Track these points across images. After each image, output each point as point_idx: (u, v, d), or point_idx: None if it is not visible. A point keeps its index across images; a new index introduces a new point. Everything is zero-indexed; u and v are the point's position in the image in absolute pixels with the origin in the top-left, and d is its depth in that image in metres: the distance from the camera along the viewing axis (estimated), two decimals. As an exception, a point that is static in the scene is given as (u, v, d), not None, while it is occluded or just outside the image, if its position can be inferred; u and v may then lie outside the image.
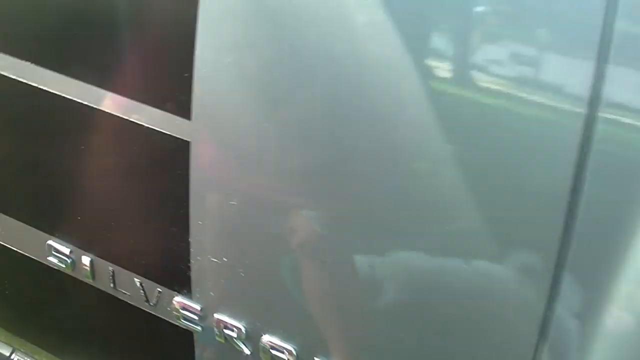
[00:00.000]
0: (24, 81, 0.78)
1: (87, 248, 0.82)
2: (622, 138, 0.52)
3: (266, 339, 0.72)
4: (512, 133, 0.55)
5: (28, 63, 0.78)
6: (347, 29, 0.59)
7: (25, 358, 1.03)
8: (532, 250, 0.57)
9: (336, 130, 0.61)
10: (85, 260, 0.82)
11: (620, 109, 0.52)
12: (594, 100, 0.51)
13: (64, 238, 0.84)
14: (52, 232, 0.85)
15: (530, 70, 0.54)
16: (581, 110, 0.51)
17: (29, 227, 0.86)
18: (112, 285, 0.82)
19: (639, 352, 0.56)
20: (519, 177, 0.56)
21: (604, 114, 0.51)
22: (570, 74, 0.53)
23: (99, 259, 0.82)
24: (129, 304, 0.82)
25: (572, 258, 0.55)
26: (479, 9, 0.56)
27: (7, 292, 0.98)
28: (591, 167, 0.52)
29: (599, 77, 0.51)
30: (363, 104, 0.59)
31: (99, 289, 0.83)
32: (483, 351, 0.62)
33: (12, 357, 1.05)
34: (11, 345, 1.05)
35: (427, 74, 0.57)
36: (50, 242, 0.85)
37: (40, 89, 0.77)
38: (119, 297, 0.82)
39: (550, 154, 0.54)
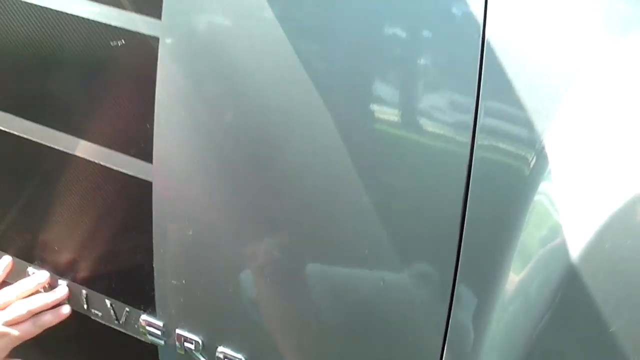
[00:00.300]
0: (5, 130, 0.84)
1: (62, 274, 0.87)
2: (497, 163, 0.58)
3: (221, 350, 0.78)
4: (412, 160, 0.61)
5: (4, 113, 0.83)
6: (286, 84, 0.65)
7: None
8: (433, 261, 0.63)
9: (276, 169, 0.68)
10: (62, 284, 0.87)
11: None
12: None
13: (42, 265, 0.89)
14: (32, 260, 0.89)
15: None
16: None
17: (12, 256, 0.91)
18: (85, 306, 0.87)
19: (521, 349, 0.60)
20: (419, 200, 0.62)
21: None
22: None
23: (73, 283, 0.87)
24: (101, 322, 0.87)
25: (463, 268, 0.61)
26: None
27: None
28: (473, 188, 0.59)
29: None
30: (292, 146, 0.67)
31: (74, 310, 0.88)
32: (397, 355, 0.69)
33: None
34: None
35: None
36: (30, 268, 0.89)
37: (18, 136, 0.83)
38: (92, 317, 0.87)
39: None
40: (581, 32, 0.56)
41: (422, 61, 0.60)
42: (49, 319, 0.86)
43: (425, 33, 0.60)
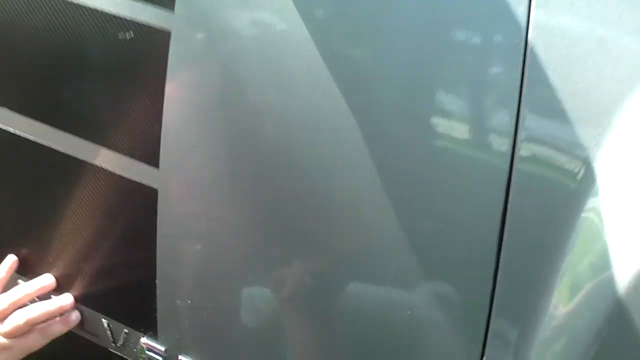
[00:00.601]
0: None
1: (55, 289, 0.83)
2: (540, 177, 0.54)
3: None
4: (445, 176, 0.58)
5: (4, 109, 0.79)
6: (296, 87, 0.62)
7: None
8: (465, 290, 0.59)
9: (288, 181, 0.64)
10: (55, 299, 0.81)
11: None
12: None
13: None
14: (24, 273, 0.85)
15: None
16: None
17: None
18: (80, 325, 0.82)
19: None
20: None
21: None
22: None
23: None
24: (96, 345, 0.82)
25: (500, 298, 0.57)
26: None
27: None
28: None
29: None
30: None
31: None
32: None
33: None
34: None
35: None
36: (20, 281, 0.85)
37: (21, 137, 0.79)
38: (86, 338, 0.82)
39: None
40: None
41: (463, 67, 0.57)
42: (58, 329, 0.80)
43: (467, 38, 0.57)
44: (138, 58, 0.68)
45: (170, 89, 0.67)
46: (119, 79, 0.71)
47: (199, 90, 0.66)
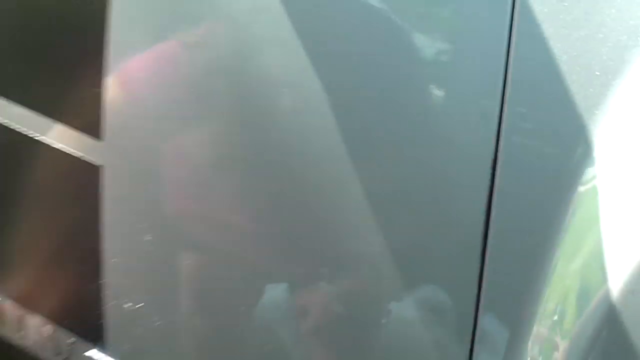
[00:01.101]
0: None
1: None
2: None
3: None
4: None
5: None
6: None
7: None
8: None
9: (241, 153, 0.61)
10: None
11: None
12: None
13: None
14: None
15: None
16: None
17: None
18: (19, 333, 0.76)
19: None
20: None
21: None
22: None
23: (6, 300, 0.76)
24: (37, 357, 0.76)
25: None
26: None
27: None
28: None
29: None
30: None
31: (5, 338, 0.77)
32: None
33: None
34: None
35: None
36: None
37: None
38: (26, 349, 0.76)
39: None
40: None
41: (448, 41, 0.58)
42: None
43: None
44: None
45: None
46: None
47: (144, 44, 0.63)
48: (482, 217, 0.55)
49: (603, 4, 0.51)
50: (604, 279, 0.50)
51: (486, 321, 0.56)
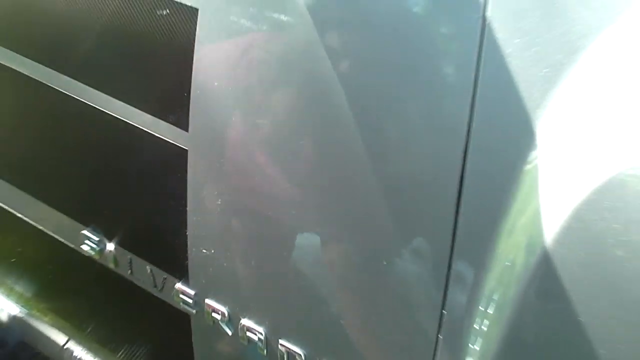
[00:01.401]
0: (72, 95, 0.83)
1: (111, 238, 0.86)
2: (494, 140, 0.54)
3: (244, 322, 0.74)
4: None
5: (67, 77, 0.82)
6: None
7: (79, 347, 1.01)
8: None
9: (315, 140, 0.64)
10: (110, 248, 0.86)
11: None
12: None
13: (95, 229, 0.88)
14: (86, 223, 0.89)
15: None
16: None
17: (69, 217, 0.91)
18: (129, 272, 0.86)
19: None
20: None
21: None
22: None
23: (120, 247, 0.86)
24: (143, 289, 0.85)
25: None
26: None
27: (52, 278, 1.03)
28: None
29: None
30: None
31: (119, 275, 0.87)
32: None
33: (66, 346, 1.03)
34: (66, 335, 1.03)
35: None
36: (84, 231, 0.88)
37: (91, 106, 0.82)
38: (135, 282, 0.86)
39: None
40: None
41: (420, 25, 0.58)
42: None
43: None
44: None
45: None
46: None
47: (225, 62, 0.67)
48: (457, 185, 0.56)
49: (553, 13, 0.52)
50: (541, 234, 0.51)
51: (458, 265, 0.58)
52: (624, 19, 0.51)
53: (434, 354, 0.61)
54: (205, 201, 0.73)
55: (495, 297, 0.55)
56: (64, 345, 1.02)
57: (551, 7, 0.53)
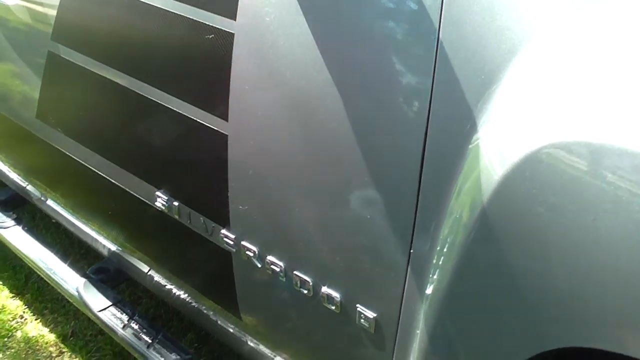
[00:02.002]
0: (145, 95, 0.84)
1: (176, 198, 0.88)
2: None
3: (269, 258, 0.77)
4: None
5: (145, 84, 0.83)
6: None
7: (157, 274, 1.02)
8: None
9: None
10: (174, 204, 0.89)
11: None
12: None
13: (165, 192, 0.90)
14: (159, 186, 0.90)
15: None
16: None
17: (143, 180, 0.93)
18: (188, 221, 0.88)
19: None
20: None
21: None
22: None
23: (183, 205, 0.88)
24: (199, 234, 0.87)
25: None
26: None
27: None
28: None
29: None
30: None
31: (182, 224, 0.89)
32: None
33: (149, 273, 1.05)
34: (148, 265, 1.04)
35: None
36: (157, 193, 0.90)
37: (161, 104, 0.83)
38: (192, 229, 0.88)
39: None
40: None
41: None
42: None
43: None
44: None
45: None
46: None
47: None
48: (419, 159, 0.58)
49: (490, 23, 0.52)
50: (480, 195, 0.52)
51: (422, 217, 0.60)
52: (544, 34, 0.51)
53: (405, 281, 0.63)
54: (241, 172, 0.76)
55: (449, 240, 0.57)
56: (147, 272, 1.05)
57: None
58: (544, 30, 0.50)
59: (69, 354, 1.28)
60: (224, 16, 0.69)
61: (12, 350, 1.27)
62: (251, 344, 0.89)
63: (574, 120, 0.47)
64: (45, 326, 1.34)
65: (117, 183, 0.98)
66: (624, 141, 0.43)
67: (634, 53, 0.47)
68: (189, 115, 0.79)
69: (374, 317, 0.66)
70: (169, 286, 1.00)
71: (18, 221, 1.31)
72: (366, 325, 0.67)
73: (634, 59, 0.46)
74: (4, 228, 1.28)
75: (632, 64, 0.46)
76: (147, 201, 0.92)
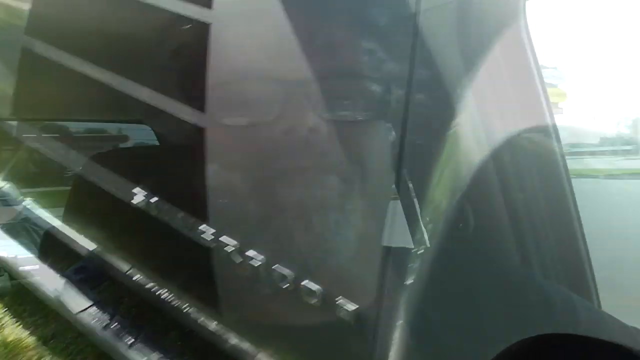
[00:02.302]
0: None
1: (154, 194, 0.86)
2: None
3: (248, 253, 0.75)
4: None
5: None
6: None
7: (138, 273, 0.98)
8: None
9: None
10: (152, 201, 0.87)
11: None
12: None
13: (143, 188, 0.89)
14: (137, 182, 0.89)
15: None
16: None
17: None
18: (167, 217, 0.85)
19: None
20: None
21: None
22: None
23: (160, 201, 0.86)
24: (178, 230, 0.84)
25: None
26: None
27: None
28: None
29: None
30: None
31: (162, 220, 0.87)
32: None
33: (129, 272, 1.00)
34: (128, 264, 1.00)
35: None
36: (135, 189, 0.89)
37: None
38: (172, 225, 0.85)
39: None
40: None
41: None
42: None
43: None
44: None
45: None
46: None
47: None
48: (397, 149, 0.58)
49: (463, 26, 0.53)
50: (460, 181, 0.53)
51: (406, 202, 0.59)
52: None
53: (385, 272, 0.62)
54: (220, 172, 0.75)
55: (429, 228, 0.58)
56: (127, 271, 1.03)
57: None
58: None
59: (50, 357, 1.23)
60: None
61: (-10, 355, 1.23)
62: (234, 340, 0.87)
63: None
64: (25, 329, 1.29)
65: (95, 180, 0.96)
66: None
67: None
68: (165, 108, 0.77)
69: (354, 309, 0.65)
70: (149, 284, 0.97)
71: (-7, 221, 1.28)
72: (347, 318, 0.66)
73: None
74: (-22, 229, 1.25)
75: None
76: (124, 199, 0.91)
